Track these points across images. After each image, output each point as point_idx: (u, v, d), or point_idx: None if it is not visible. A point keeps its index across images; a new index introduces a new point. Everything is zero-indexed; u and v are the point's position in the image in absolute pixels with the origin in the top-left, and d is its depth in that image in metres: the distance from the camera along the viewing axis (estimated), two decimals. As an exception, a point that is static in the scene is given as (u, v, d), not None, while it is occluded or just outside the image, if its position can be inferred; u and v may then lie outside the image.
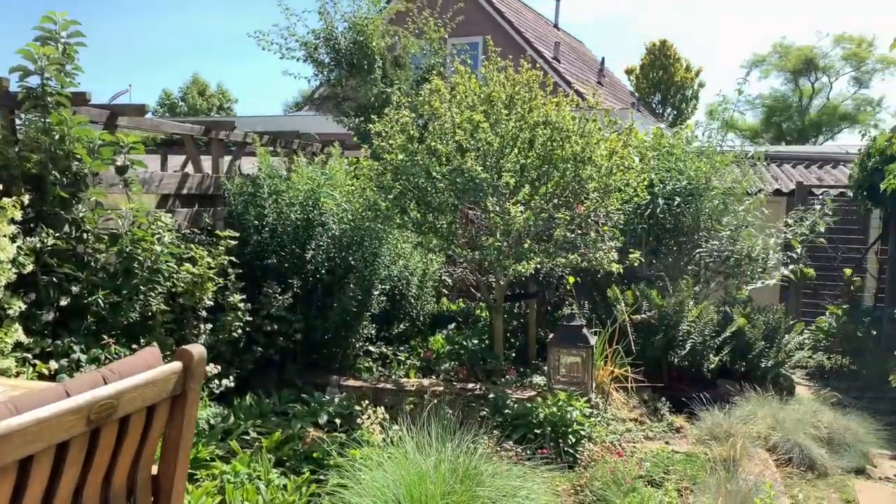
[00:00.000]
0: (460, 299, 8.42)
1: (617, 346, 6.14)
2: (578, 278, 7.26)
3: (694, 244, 7.36)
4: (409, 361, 6.53)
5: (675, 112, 30.76)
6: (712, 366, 6.60)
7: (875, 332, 7.84)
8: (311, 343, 6.04)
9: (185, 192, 5.79)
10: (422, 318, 7.39)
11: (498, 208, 5.40)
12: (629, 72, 31.11)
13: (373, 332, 6.53)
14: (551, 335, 5.76)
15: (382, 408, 4.71)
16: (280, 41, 7.40)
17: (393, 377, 6.19)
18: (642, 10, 54.86)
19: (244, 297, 5.36)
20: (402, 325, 7.07)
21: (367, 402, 4.87)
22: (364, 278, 6.06)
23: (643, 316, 6.43)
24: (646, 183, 6.41)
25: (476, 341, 6.65)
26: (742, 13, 53.39)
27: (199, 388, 1.84)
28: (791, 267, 7.36)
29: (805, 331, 7.85)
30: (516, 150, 5.48)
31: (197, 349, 1.83)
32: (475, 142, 5.48)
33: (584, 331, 5.62)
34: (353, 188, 5.95)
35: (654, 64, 30.55)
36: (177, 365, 1.80)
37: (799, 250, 7.49)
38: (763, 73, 36.43)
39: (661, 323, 6.53)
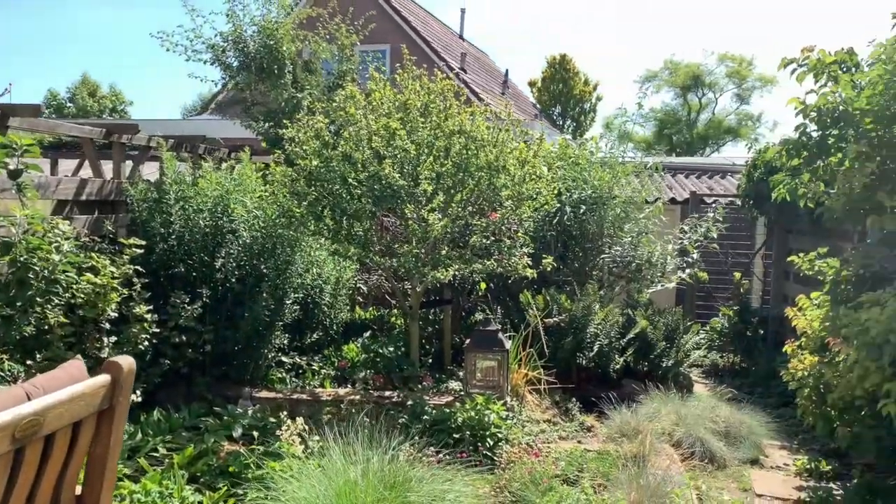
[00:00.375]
0: (374, 307, 8.38)
1: (530, 349, 6.30)
2: (491, 284, 7.40)
3: (598, 250, 7.67)
4: (323, 371, 6.44)
5: (574, 124, 31.89)
6: (618, 366, 6.89)
7: (763, 331, 8.42)
8: (221, 354, 5.85)
9: (84, 198, 5.47)
10: (335, 327, 7.29)
11: (415, 216, 5.43)
12: (532, 84, 32.00)
13: (285, 341, 6.39)
14: (468, 340, 5.84)
15: (300, 419, 4.62)
16: (186, 43, 7.14)
17: (308, 387, 6.08)
18: (544, 25, 56.63)
19: (150, 307, 5.12)
20: (315, 335, 6.95)
21: (283, 413, 4.75)
22: (276, 287, 5.93)
23: (554, 320, 6.62)
24: (555, 192, 6.63)
25: (392, 349, 6.63)
26: (636, 30, 56.16)
27: (128, 403, 1.75)
28: (687, 271, 7.80)
29: (701, 331, 8.35)
30: (432, 158, 5.53)
31: (126, 361, 1.75)
32: (392, 149, 5.49)
33: (500, 335, 5.73)
34: (265, 194, 5.81)
35: (554, 77, 31.56)
36: (105, 378, 1.71)
37: (694, 255, 7.95)
38: (655, 87, 38.51)
39: (571, 326, 6.75)
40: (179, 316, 5.37)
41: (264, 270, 5.86)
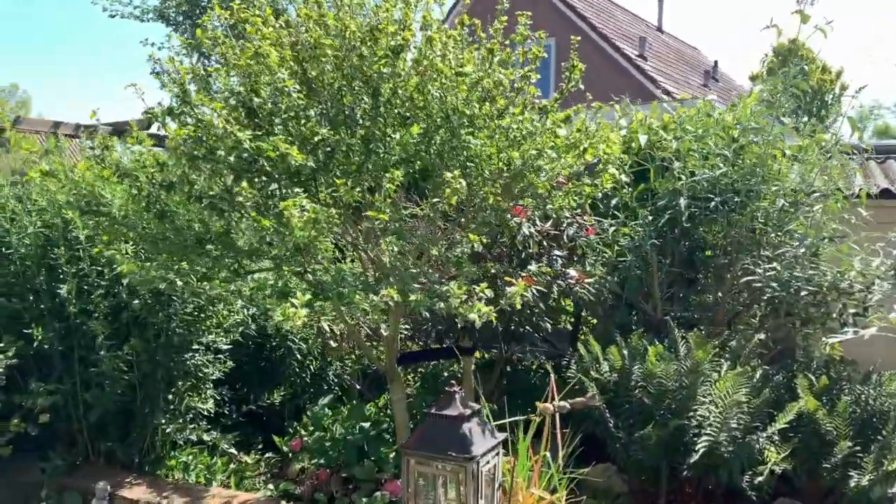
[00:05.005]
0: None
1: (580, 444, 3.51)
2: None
3: (742, 269, 4.56)
4: (252, 457, 4.26)
5: (814, 119, 26.32)
6: (761, 478, 3.76)
7: None
8: (101, 424, 3.98)
9: None
10: (332, 379, 5.09)
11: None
12: (753, 78, 27.11)
13: (210, 406, 4.30)
14: (412, 433, 3.28)
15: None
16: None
17: (211, 484, 3.98)
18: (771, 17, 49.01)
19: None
20: (278, 394, 4.79)
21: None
22: (159, 326, 3.90)
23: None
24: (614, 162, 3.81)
25: (367, 425, 4.23)
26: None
27: None
28: (913, 305, 4.31)
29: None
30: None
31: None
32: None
33: (469, 425, 3.05)
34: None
35: (783, 67, 26.43)
36: None
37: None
38: (926, 70, 30.85)
39: (658, 403, 3.80)
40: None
41: (135, 303, 3.85)
